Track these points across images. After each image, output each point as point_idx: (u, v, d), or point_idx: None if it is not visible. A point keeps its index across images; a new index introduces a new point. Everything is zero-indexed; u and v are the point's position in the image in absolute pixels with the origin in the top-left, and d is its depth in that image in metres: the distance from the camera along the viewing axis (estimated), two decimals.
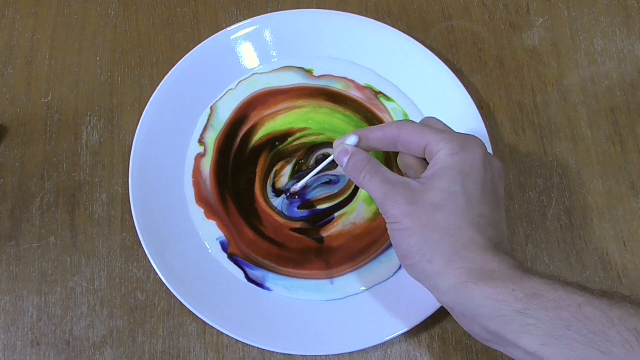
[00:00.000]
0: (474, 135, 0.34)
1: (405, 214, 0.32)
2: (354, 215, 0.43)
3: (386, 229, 0.42)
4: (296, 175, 0.44)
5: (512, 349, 0.29)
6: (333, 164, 0.41)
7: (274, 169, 0.45)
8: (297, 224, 0.43)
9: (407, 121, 0.36)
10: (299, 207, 0.44)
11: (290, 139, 0.46)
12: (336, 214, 0.43)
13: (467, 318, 0.31)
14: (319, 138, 0.46)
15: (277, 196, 0.44)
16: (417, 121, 0.37)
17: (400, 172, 0.39)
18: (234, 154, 0.45)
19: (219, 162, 0.45)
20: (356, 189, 0.44)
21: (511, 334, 0.28)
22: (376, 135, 0.36)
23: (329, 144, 0.45)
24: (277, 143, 0.45)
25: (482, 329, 0.30)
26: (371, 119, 0.46)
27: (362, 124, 0.46)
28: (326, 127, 0.46)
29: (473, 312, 0.30)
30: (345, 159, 0.36)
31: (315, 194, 0.44)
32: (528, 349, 0.28)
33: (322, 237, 0.43)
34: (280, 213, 0.43)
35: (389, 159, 0.45)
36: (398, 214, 0.32)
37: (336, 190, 0.44)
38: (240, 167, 0.45)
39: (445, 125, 0.36)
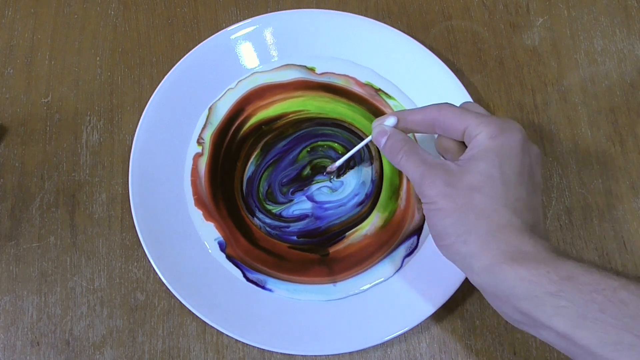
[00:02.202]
0: (513, 121, 0.34)
1: (442, 195, 0.32)
2: (368, 228, 0.43)
3: (393, 234, 0.42)
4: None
5: (544, 331, 0.29)
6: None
7: (249, 160, 0.44)
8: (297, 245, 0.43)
9: (447, 104, 0.36)
10: (299, 236, 0.43)
11: (278, 121, 0.45)
12: (348, 233, 0.43)
13: (499, 299, 0.31)
14: (314, 115, 0.45)
15: (267, 207, 0.43)
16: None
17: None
18: (225, 148, 0.45)
19: (213, 159, 0.44)
20: (373, 204, 0.43)
21: (544, 315, 0.28)
22: (416, 117, 0.36)
23: (323, 120, 0.45)
24: (263, 127, 0.45)
25: (515, 310, 0.30)
26: (375, 112, 0.46)
27: (368, 114, 0.46)
28: (327, 110, 0.46)
29: (506, 293, 0.30)
30: (384, 140, 0.36)
31: (331, 218, 0.43)
32: (560, 331, 0.28)
33: (329, 253, 0.42)
34: (268, 234, 0.43)
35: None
36: (435, 195, 0.32)
37: (352, 216, 0.43)
38: (229, 162, 0.44)
39: (485, 110, 0.36)
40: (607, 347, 0.27)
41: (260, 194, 0.44)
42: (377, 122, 0.37)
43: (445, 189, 0.32)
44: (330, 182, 0.44)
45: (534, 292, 0.29)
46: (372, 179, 0.44)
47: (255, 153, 0.45)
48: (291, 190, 0.44)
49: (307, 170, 0.44)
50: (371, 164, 0.44)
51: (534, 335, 0.31)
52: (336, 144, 0.45)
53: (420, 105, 0.45)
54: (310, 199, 0.44)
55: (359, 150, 0.42)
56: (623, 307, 0.27)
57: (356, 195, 0.44)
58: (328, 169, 0.44)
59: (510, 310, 0.30)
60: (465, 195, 0.32)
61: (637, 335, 0.26)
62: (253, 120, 0.45)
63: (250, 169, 0.44)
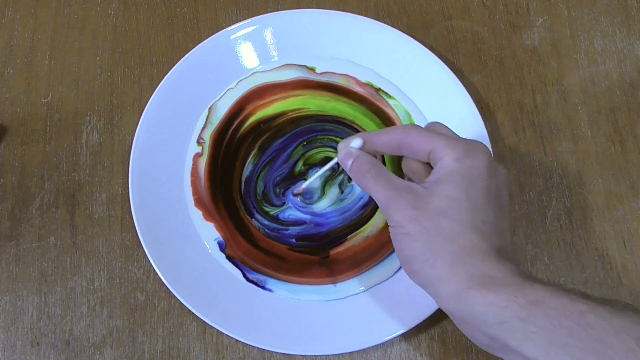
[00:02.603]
0: (479, 142, 0.34)
1: (409, 219, 0.32)
2: (370, 230, 0.43)
3: None
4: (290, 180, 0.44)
5: (514, 356, 0.29)
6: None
7: (247, 160, 0.44)
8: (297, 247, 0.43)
9: (413, 125, 0.36)
10: (297, 239, 0.43)
11: (278, 119, 0.45)
12: (349, 236, 0.43)
13: (468, 324, 0.31)
14: (313, 113, 0.45)
15: (264, 209, 0.43)
16: (422, 124, 0.37)
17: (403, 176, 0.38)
18: (224, 148, 0.45)
19: (212, 159, 0.44)
20: (376, 205, 0.43)
21: (513, 341, 0.28)
22: (381, 139, 0.36)
23: (323, 117, 0.45)
24: (262, 125, 0.45)
25: (484, 335, 0.30)
26: (376, 111, 0.46)
27: (369, 113, 0.46)
28: (327, 108, 0.46)
29: (475, 319, 0.30)
30: (350, 162, 0.36)
31: (333, 224, 0.43)
32: (530, 357, 0.28)
33: (329, 255, 0.42)
34: (267, 235, 0.43)
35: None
36: (401, 219, 0.32)
37: (355, 219, 0.43)
38: (229, 162, 0.44)
39: (452, 131, 0.36)
40: None
41: (257, 195, 0.44)
42: (342, 143, 0.37)
43: (412, 213, 0.32)
44: (301, 200, 0.43)
45: (502, 317, 0.28)
46: None
47: (253, 152, 0.45)
48: (282, 190, 0.44)
49: (299, 167, 0.44)
50: None
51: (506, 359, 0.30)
52: (339, 138, 0.45)
53: (420, 106, 0.46)
54: (314, 213, 0.43)
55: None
56: (591, 331, 0.27)
57: (361, 198, 0.44)
58: (295, 191, 0.43)
59: (480, 335, 0.30)
60: (432, 218, 0.31)
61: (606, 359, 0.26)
62: (252, 119, 0.45)
63: (248, 168, 0.44)
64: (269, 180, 0.44)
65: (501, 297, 0.29)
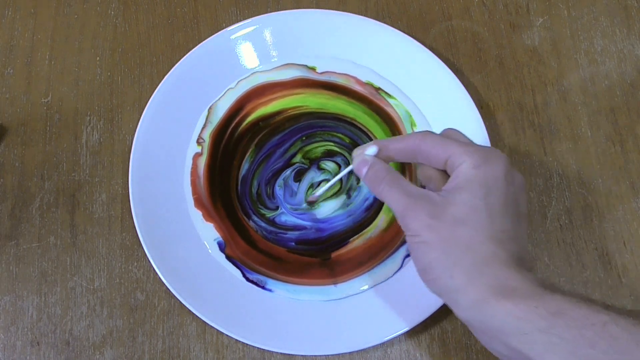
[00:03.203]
0: (496, 149, 0.34)
1: (427, 227, 0.31)
2: (372, 231, 0.43)
3: (396, 235, 0.42)
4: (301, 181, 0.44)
5: None
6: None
7: (243, 160, 0.44)
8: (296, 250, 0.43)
9: (428, 132, 0.35)
10: (297, 243, 0.43)
11: (276, 117, 0.45)
12: (352, 239, 0.43)
13: (487, 335, 0.30)
14: (312, 110, 0.45)
15: (260, 211, 0.43)
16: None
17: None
18: (223, 147, 0.45)
19: (211, 158, 0.44)
20: (380, 206, 0.43)
21: (534, 352, 0.28)
22: (397, 146, 0.35)
23: (323, 114, 0.45)
24: (260, 124, 0.45)
25: (504, 346, 0.29)
26: (377, 110, 0.46)
27: (369, 112, 0.46)
28: (327, 106, 0.46)
29: (494, 330, 0.29)
30: (365, 169, 0.35)
31: (336, 229, 0.43)
32: None
33: (330, 257, 0.42)
34: (265, 237, 0.43)
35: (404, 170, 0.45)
36: (419, 228, 0.32)
37: (359, 222, 0.43)
38: (227, 161, 0.44)
39: (467, 137, 0.36)
40: None
41: (252, 195, 0.44)
42: (357, 151, 0.36)
43: (430, 222, 0.31)
44: (313, 208, 0.43)
45: (523, 328, 0.28)
46: None
47: (250, 150, 0.45)
48: (272, 190, 0.43)
49: (298, 158, 0.44)
50: None
51: None
52: (340, 135, 0.45)
53: (420, 106, 0.46)
54: (316, 219, 0.43)
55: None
56: (613, 342, 0.26)
57: (366, 199, 0.44)
58: (309, 199, 0.43)
59: (499, 346, 0.30)
60: (449, 227, 0.31)
61: None
62: (251, 118, 0.45)
63: (244, 167, 0.44)
64: (262, 179, 0.44)
65: (521, 307, 0.28)
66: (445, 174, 0.35)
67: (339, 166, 0.44)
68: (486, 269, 0.30)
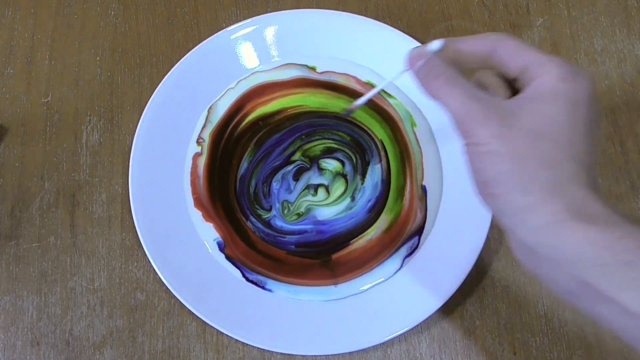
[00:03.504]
0: (582, 68, 0.30)
1: (497, 136, 0.27)
2: (374, 233, 0.43)
3: (397, 235, 0.42)
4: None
5: (606, 306, 0.25)
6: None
7: (242, 159, 0.44)
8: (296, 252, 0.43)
9: (507, 34, 0.30)
10: (297, 246, 0.42)
11: (276, 116, 0.45)
12: (353, 240, 0.43)
13: (555, 263, 0.26)
14: (313, 109, 0.45)
15: (257, 210, 0.43)
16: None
17: None
18: (222, 146, 0.45)
19: (211, 158, 0.44)
20: (382, 208, 0.43)
21: (611, 287, 0.24)
22: (469, 44, 0.31)
23: (323, 113, 0.45)
24: (260, 123, 0.45)
25: (572, 278, 0.26)
26: (377, 109, 0.46)
27: (370, 111, 0.46)
28: (328, 105, 0.46)
29: (567, 257, 0.26)
30: (420, 63, 0.30)
31: (337, 231, 0.43)
32: (630, 307, 0.24)
33: (331, 259, 0.42)
34: (264, 239, 0.43)
35: None
36: (486, 135, 0.27)
37: (358, 223, 0.43)
38: (226, 160, 0.44)
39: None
40: None
41: (250, 195, 0.44)
42: (416, 50, 0.31)
43: (502, 130, 0.27)
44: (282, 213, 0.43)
45: (602, 259, 0.25)
46: (382, 179, 0.44)
47: (249, 149, 0.45)
48: (268, 188, 0.43)
49: (297, 156, 0.44)
50: (380, 160, 0.44)
51: (585, 311, 0.27)
52: (340, 133, 0.45)
53: (420, 105, 0.46)
54: (317, 221, 0.43)
55: (367, 145, 0.41)
56: None
57: (369, 200, 0.44)
58: (348, 108, 0.39)
59: (566, 278, 0.26)
60: (526, 139, 0.27)
61: None
62: (251, 117, 0.45)
63: (243, 166, 0.44)
64: (260, 177, 0.44)
65: (604, 235, 0.25)
66: (510, 85, 0.31)
67: (341, 162, 0.44)
68: (566, 189, 0.26)
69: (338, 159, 0.44)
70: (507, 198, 0.27)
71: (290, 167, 0.44)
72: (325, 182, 0.44)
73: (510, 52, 0.30)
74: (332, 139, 0.45)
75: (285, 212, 0.43)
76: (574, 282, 0.26)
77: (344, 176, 0.44)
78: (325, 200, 0.43)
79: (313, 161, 0.44)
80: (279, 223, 0.43)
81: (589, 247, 0.25)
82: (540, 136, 0.27)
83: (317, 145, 0.45)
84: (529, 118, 0.28)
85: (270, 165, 0.44)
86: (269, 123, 0.45)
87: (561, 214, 0.26)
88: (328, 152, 0.44)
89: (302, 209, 0.43)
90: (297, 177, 0.44)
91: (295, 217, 0.43)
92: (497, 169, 0.27)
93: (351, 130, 0.45)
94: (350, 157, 0.44)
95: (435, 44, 0.30)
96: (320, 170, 0.44)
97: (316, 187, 0.43)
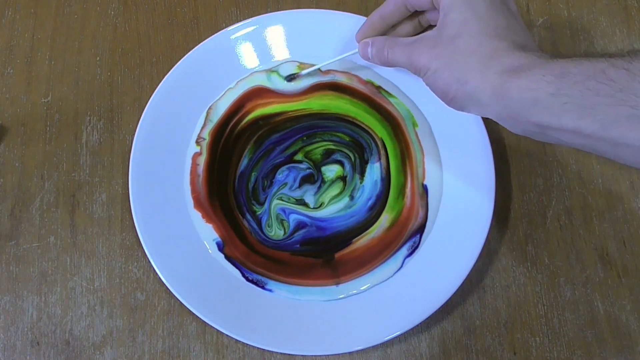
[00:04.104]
0: None
1: (432, 57, 0.34)
2: (376, 231, 0.43)
3: (399, 233, 0.42)
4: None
5: (558, 133, 0.30)
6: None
7: (241, 156, 0.44)
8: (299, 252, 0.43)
9: None
10: (302, 244, 0.42)
11: (277, 117, 0.45)
12: (355, 239, 0.43)
13: (514, 119, 0.31)
14: (316, 112, 0.46)
15: (253, 207, 0.43)
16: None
17: None
18: (222, 144, 0.45)
19: (211, 156, 0.44)
20: (383, 206, 0.43)
21: (553, 118, 0.29)
22: (387, 9, 0.39)
23: (325, 115, 0.45)
24: (259, 122, 0.45)
25: (529, 123, 0.30)
26: (377, 108, 0.46)
27: (371, 110, 0.46)
28: (330, 107, 0.46)
29: (517, 110, 0.31)
30: (369, 49, 0.40)
31: (337, 229, 0.43)
32: (569, 128, 0.29)
33: (334, 257, 0.42)
34: (262, 241, 0.43)
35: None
36: (426, 61, 0.35)
37: (359, 221, 0.43)
38: (226, 158, 0.44)
39: None
40: (608, 128, 0.28)
41: (248, 190, 0.44)
42: (358, 35, 0.41)
43: (432, 51, 0.34)
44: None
45: (537, 98, 0.29)
46: (381, 177, 0.44)
47: (249, 147, 0.45)
48: (269, 182, 0.43)
49: (299, 157, 0.44)
50: (379, 159, 0.44)
51: (556, 143, 0.32)
52: (340, 134, 0.45)
53: (420, 105, 0.46)
54: (314, 218, 0.43)
55: (367, 144, 0.43)
56: (613, 84, 0.27)
57: (369, 199, 0.44)
58: (295, 75, 0.45)
59: (527, 125, 0.31)
60: (449, 46, 0.34)
61: (631, 106, 0.27)
62: (251, 116, 0.45)
63: (243, 163, 0.44)
64: (261, 172, 0.44)
65: (531, 79, 0.30)
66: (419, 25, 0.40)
67: (341, 164, 0.44)
68: (492, 62, 0.32)
69: (338, 161, 0.44)
70: (459, 94, 0.33)
71: (301, 166, 0.44)
72: (320, 195, 0.44)
73: None
74: (332, 141, 0.45)
75: (269, 223, 0.43)
76: (532, 125, 0.31)
77: (343, 179, 0.44)
78: (315, 210, 0.43)
79: (317, 167, 0.44)
80: (273, 229, 0.43)
81: (526, 94, 0.30)
82: (458, 36, 0.33)
83: (318, 148, 0.45)
84: (446, 30, 0.34)
85: (272, 162, 0.44)
86: (269, 123, 0.45)
87: (497, 80, 0.31)
88: (328, 155, 0.44)
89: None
90: (301, 183, 0.44)
91: (292, 202, 0.43)
92: (442, 79, 0.34)
93: (351, 131, 0.45)
94: (349, 156, 0.44)
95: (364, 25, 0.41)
96: (323, 183, 0.44)
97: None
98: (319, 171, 0.44)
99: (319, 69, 0.45)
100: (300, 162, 0.44)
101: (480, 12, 0.33)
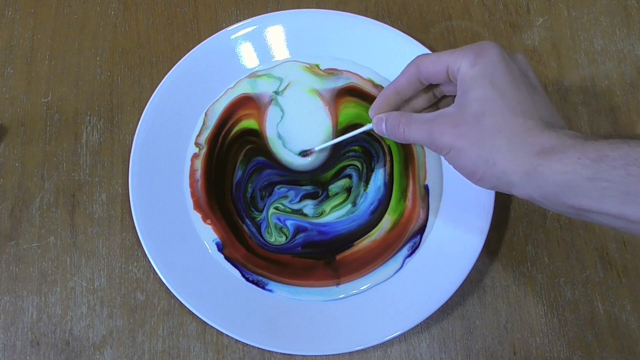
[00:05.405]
0: (486, 41, 0.35)
1: (455, 137, 0.33)
2: (377, 233, 0.43)
3: (400, 235, 0.42)
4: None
5: (600, 216, 0.29)
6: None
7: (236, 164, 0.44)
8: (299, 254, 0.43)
9: (420, 55, 0.37)
10: (303, 247, 0.42)
11: (260, 136, 0.45)
12: (357, 241, 0.43)
13: (549, 200, 0.30)
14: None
15: (252, 213, 0.43)
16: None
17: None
18: (218, 149, 0.45)
19: (208, 160, 0.44)
20: (385, 209, 0.43)
21: (591, 202, 0.28)
22: (401, 83, 0.37)
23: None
24: (245, 137, 0.45)
25: (566, 205, 0.30)
26: None
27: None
28: (350, 115, 0.45)
29: (552, 192, 0.30)
30: (383, 125, 0.38)
31: (339, 232, 0.43)
32: (612, 213, 0.28)
33: (335, 259, 0.42)
34: (263, 245, 0.42)
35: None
36: (449, 140, 0.33)
37: (361, 225, 0.43)
38: (222, 164, 0.44)
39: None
40: None
41: (246, 199, 0.43)
42: (371, 111, 0.39)
43: (455, 130, 0.33)
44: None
45: (572, 182, 0.28)
46: (384, 182, 0.44)
47: (240, 159, 0.44)
48: (267, 193, 0.43)
49: (305, 184, 0.44)
50: (384, 165, 0.44)
51: (598, 224, 0.31)
52: (356, 146, 0.45)
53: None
54: (315, 223, 0.43)
55: (376, 153, 0.43)
56: None
57: (372, 204, 0.43)
58: (306, 152, 0.44)
59: (563, 207, 0.30)
60: (474, 125, 0.32)
61: None
62: (239, 127, 0.45)
63: (238, 174, 0.44)
64: (257, 185, 0.44)
65: (565, 162, 0.29)
66: (434, 97, 0.38)
67: (349, 177, 0.44)
68: (522, 141, 0.31)
69: (347, 175, 0.44)
70: (489, 175, 0.32)
71: (306, 188, 0.44)
72: (324, 205, 0.43)
73: (429, 66, 0.35)
74: (347, 157, 0.44)
75: (268, 230, 0.43)
76: (569, 208, 0.30)
77: (348, 189, 0.44)
78: (315, 218, 0.43)
79: (324, 187, 0.44)
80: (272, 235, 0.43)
81: (559, 177, 0.29)
82: (482, 115, 0.32)
83: (330, 172, 0.44)
84: (468, 108, 0.33)
85: (268, 179, 0.44)
86: (254, 142, 0.45)
87: (529, 162, 0.30)
88: (339, 173, 0.44)
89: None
90: (302, 199, 0.44)
91: (288, 212, 0.43)
92: (469, 159, 0.33)
93: (364, 141, 0.45)
94: (358, 167, 0.44)
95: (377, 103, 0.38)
96: (327, 197, 0.44)
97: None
98: (326, 189, 0.44)
99: (329, 146, 0.44)
100: (304, 184, 0.44)
101: (502, 88, 0.32)
